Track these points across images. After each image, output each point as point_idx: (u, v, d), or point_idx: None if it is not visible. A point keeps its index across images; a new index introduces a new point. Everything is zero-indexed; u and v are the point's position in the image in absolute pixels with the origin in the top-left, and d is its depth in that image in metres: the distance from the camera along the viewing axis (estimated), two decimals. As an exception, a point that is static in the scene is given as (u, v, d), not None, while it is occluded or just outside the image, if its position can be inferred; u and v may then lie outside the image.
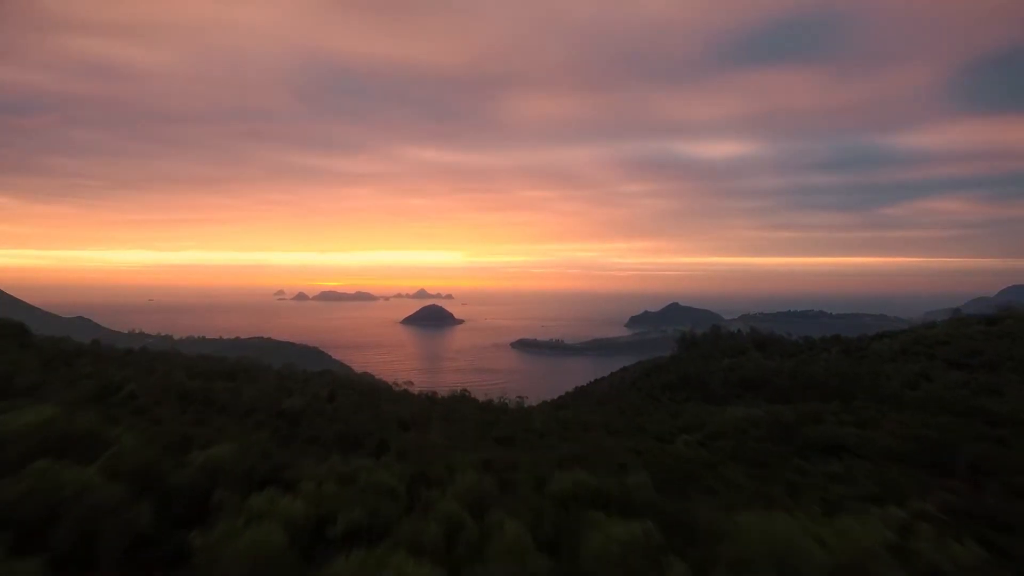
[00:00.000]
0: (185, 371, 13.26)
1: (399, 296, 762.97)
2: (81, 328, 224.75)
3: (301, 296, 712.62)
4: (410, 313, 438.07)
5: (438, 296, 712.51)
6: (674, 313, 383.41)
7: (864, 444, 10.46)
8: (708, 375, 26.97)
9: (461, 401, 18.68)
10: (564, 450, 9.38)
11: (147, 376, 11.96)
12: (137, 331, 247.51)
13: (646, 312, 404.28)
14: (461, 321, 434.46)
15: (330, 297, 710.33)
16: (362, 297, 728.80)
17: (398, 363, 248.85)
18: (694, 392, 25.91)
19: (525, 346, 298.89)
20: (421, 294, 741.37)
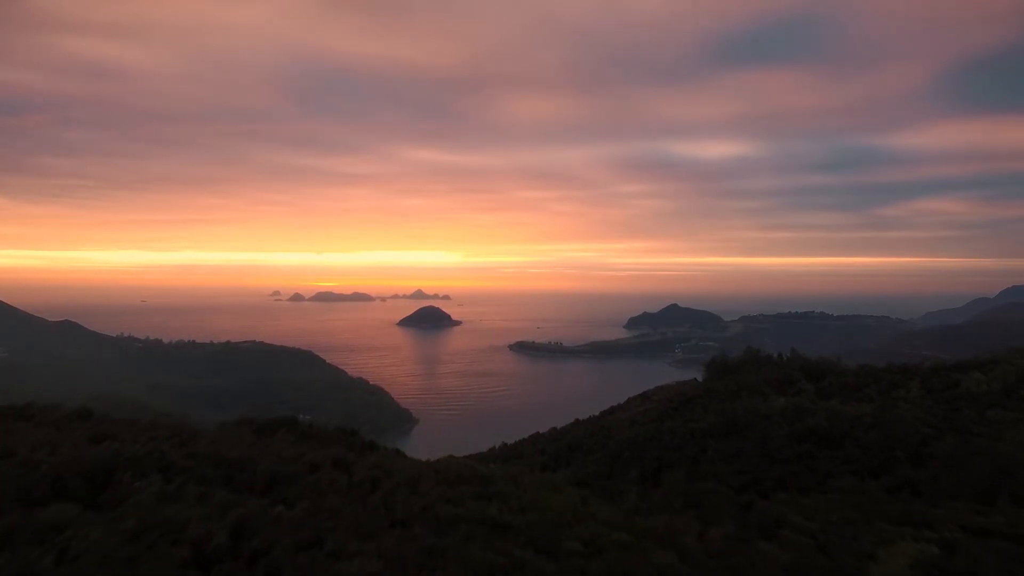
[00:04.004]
0: (18, 494, 8.02)
1: (396, 297, 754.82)
2: (68, 332, 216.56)
3: (297, 297, 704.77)
4: (407, 314, 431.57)
5: (435, 297, 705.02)
6: (673, 314, 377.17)
7: None
8: (763, 422, 21.79)
9: (458, 481, 13.72)
10: None
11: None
12: (126, 335, 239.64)
13: (645, 313, 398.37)
14: (459, 322, 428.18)
15: (326, 298, 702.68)
16: (359, 298, 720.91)
17: (395, 367, 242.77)
18: (746, 443, 20.78)
19: (523, 348, 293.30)
20: (418, 294, 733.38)
